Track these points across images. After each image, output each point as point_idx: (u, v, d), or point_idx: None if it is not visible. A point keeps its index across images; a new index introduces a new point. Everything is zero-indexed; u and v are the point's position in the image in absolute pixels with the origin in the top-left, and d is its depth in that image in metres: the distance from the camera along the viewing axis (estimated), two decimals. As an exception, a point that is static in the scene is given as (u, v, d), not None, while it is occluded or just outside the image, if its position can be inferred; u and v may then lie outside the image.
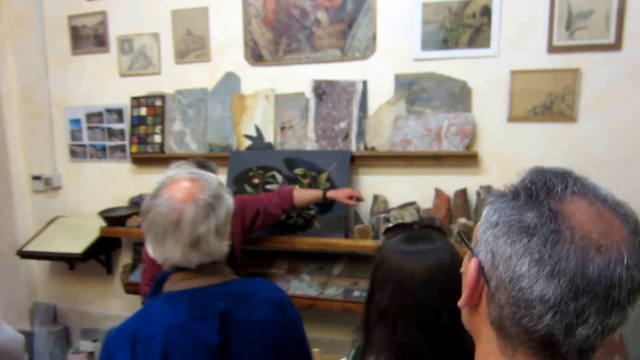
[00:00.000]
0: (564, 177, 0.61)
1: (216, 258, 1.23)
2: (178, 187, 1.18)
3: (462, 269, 0.72)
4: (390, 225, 1.28)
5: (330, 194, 2.49)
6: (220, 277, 1.24)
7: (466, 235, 0.73)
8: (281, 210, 2.52)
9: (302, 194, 2.54)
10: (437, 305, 1.04)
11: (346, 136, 2.77)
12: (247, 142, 2.94)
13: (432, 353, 1.04)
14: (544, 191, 0.59)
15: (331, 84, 2.77)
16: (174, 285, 1.21)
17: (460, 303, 0.66)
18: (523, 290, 0.56)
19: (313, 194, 2.53)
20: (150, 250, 1.20)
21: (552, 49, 2.41)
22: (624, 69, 2.34)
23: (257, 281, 1.34)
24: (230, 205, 1.25)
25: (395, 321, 1.06)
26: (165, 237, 1.15)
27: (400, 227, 1.24)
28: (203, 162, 2.27)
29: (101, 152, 3.29)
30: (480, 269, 0.62)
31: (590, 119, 2.42)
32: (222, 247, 1.22)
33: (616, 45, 2.33)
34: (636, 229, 0.58)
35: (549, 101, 2.45)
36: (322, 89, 2.79)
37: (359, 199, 2.50)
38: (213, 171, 2.14)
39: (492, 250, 0.60)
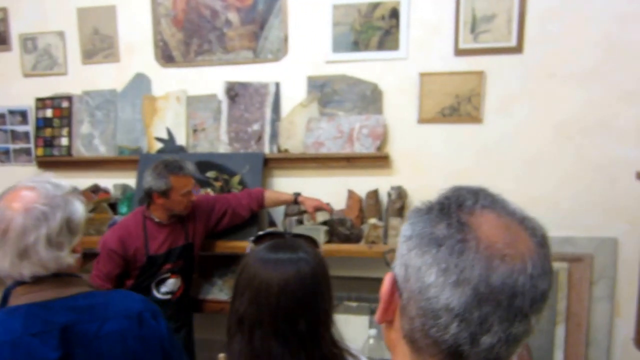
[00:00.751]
0: (476, 193, 0.62)
1: (57, 270, 1.16)
2: (14, 195, 1.14)
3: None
4: (261, 233, 1.28)
5: (301, 199, 2.48)
6: (66, 290, 1.18)
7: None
8: (249, 211, 2.49)
9: (274, 196, 2.53)
10: (293, 315, 1.05)
11: (259, 138, 2.72)
12: (158, 145, 2.85)
13: None
14: (455, 205, 0.61)
15: (244, 85, 2.73)
16: (16, 300, 1.15)
17: (376, 318, 0.66)
18: (430, 300, 0.57)
19: (284, 197, 2.53)
20: None
21: (459, 52, 2.47)
22: (526, 72, 2.42)
23: (113, 293, 1.30)
24: (75, 214, 1.18)
25: (252, 330, 1.06)
26: None
27: (271, 235, 1.24)
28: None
29: (4, 156, 3.11)
30: (395, 282, 0.63)
31: (495, 120, 2.48)
32: (58, 259, 1.15)
33: (518, 49, 2.40)
34: (543, 242, 0.60)
35: (456, 103, 2.50)
36: (234, 91, 2.74)
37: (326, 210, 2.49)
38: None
39: (405, 264, 0.61)
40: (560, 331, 2.44)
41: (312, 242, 1.24)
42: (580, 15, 2.34)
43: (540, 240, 0.60)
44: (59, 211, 1.15)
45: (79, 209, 1.20)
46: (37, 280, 1.15)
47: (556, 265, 2.42)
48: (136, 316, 1.22)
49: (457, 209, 0.60)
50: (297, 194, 2.50)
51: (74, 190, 1.23)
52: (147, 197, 2.27)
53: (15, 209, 1.11)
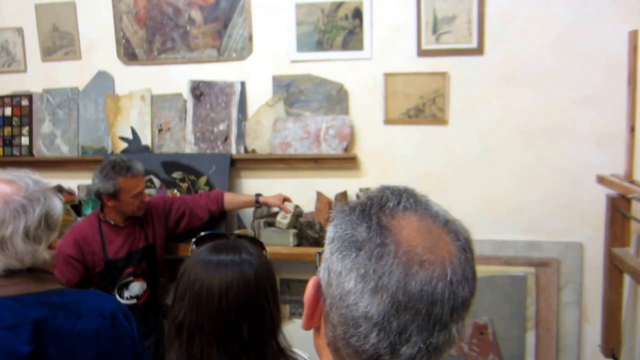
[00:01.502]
0: (400, 194, 0.60)
1: (32, 265, 1.18)
2: None
3: None
4: (202, 234, 1.22)
5: (262, 199, 2.51)
6: (40, 285, 1.19)
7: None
8: (208, 213, 2.49)
9: (234, 199, 2.54)
10: (235, 320, 1.01)
11: (226, 139, 2.73)
12: (123, 145, 2.83)
13: None
14: (376, 206, 0.58)
15: (209, 84, 2.72)
16: None
17: (302, 324, 0.64)
18: (350, 307, 0.55)
19: (245, 199, 2.55)
20: None
21: (422, 53, 2.50)
22: (487, 73, 2.47)
23: (86, 292, 1.31)
24: (54, 210, 1.21)
25: (191, 336, 1.02)
26: None
27: (213, 236, 1.19)
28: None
29: (-38, 156, 3.06)
30: (319, 287, 0.61)
31: (459, 122, 2.53)
32: (35, 252, 1.17)
33: (479, 50, 2.45)
34: (466, 246, 0.58)
35: (421, 104, 2.54)
36: (199, 90, 2.74)
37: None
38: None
39: (328, 267, 0.59)
40: (530, 337, 2.47)
41: (257, 243, 1.20)
42: (537, 17, 2.38)
43: (463, 244, 0.58)
44: (38, 205, 1.17)
45: (58, 205, 1.23)
46: (10, 274, 1.16)
47: (524, 270, 2.46)
48: (109, 315, 1.23)
49: (379, 210, 0.58)
50: (258, 195, 2.53)
51: (53, 188, 1.26)
52: (98, 199, 2.27)
53: None
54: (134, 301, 2.34)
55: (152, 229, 2.40)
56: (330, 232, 0.60)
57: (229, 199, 2.52)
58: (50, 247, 1.21)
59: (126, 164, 2.20)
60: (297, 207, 2.59)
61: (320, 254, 0.70)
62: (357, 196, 2.60)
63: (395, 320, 0.53)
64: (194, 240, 1.22)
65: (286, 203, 2.53)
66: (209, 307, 1.01)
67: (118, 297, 2.30)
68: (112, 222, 2.28)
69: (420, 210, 0.59)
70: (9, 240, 1.12)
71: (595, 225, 2.38)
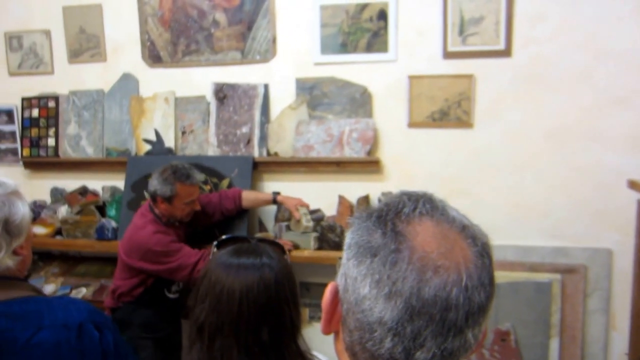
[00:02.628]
0: (417, 199, 0.61)
1: None
2: None
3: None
4: (224, 237, 1.25)
5: (280, 198, 2.52)
6: (2, 294, 1.15)
7: None
8: (221, 212, 2.53)
9: (252, 196, 2.56)
10: (256, 323, 1.03)
11: (248, 141, 2.76)
12: (147, 147, 2.88)
13: None
14: (392, 212, 0.60)
15: (232, 87, 2.76)
16: None
17: (320, 329, 0.66)
18: (365, 313, 0.57)
19: (263, 197, 2.57)
20: None
21: (447, 55, 2.49)
22: (515, 76, 2.45)
23: (55, 300, 1.25)
24: (15, 215, 1.17)
25: (212, 338, 1.04)
26: None
27: (235, 239, 1.22)
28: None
29: (-10, 156, 3.15)
30: (336, 292, 0.63)
31: (485, 125, 2.51)
32: None
33: (506, 52, 2.43)
34: (483, 251, 0.58)
35: (446, 107, 2.53)
36: (223, 93, 2.77)
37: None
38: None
39: (345, 273, 0.60)
40: (554, 344, 2.44)
41: (278, 247, 1.22)
42: (567, 17, 2.36)
43: (480, 249, 0.58)
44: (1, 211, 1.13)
45: (20, 210, 1.18)
46: None
47: (549, 276, 2.43)
48: (76, 327, 1.16)
49: (395, 216, 0.59)
50: (277, 193, 2.55)
51: (17, 191, 1.22)
52: (152, 199, 2.33)
53: None
54: (177, 295, 2.44)
55: (183, 226, 2.47)
56: (348, 238, 0.62)
57: (247, 196, 2.54)
58: (15, 252, 1.17)
59: (187, 172, 2.28)
60: (316, 211, 2.61)
61: (341, 259, 0.73)
62: (379, 200, 2.60)
63: (410, 326, 0.54)
64: (215, 243, 1.24)
65: (300, 209, 2.50)
66: (229, 310, 1.03)
67: (166, 292, 2.41)
68: (164, 220, 2.35)
69: (436, 216, 0.59)
70: None
71: (625, 231, 2.36)
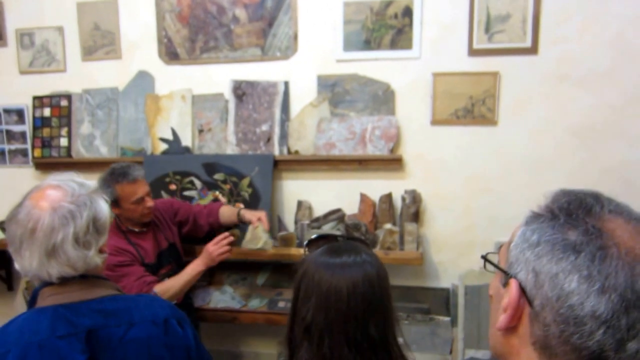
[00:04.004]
0: (598, 198, 0.66)
1: (85, 271, 1.19)
2: (39, 194, 1.17)
3: (491, 292, 0.77)
4: (313, 236, 1.27)
5: (242, 212, 2.46)
6: (93, 292, 1.21)
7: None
8: (208, 225, 2.51)
9: (226, 212, 2.51)
10: (363, 319, 1.06)
11: (268, 139, 2.76)
12: (163, 146, 2.87)
13: None
14: (582, 211, 0.64)
15: (251, 84, 2.76)
16: (42, 301, 1.18)
17: (499, 326, 0.69)
18: (573, 307, 0.60)
19: (231, 212, 2.50)
20: (15, 263, 1.18)
21: (473, 52, 2.52)
22: (541, 73, 2.48)
23: (139, 297, 1.31)
24: (101, 213, 1.22)
25: (321, 336, 1.06)
26: (22, 246, 1.14)
27: (324, 238, 1.24)
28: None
29: (-1, 157, 3.12)
30: (522, 289, 0.66)
31: (509, 123, 2.54)
32: (86, 258, 1.18)
33: (533, 49, 2.46)
34: None
35: (470, 104, 2.55)
36: (242, 90, 2.77)
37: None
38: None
39: (534, 270, 0.64)
40: None
41: (365, 244, 1.25)
42: (594, 15, 2.40)
43: None
44: (86, 210, 1.18)
45: (104, 208, 1.24)
46: (63, 282, 1.17)
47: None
48: (162, 322, 1.23)
49: (586, 214, 0.64)
50: (241, 209, 2.51)
51: (98, 190, 1.26)
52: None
53: (43, 207, 1.14)
54: (172, 302, 2.38)
55: (170, 230, 2.43)
56: (530, 236, 0.66)
57: (222, 212, 2.50)
58: (100, 251, 1.22)
59: (122, 170, 2.19)
60: (337, 211, 2.60)
61: (484, 257, 0.77)
62: (403, 198, 2.62)
63: (625, 318, 0.59)
64: (306, 243, 1.27)
65: (258, 224, 2.40)
66: (337, 308, 1.06)
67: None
68: (136, 230, 2.29)
69: (624, 214, 0.65)
70: (60, 247, 1.14)
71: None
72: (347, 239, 1.24)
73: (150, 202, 2.26)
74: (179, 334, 1.25)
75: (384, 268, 1.14)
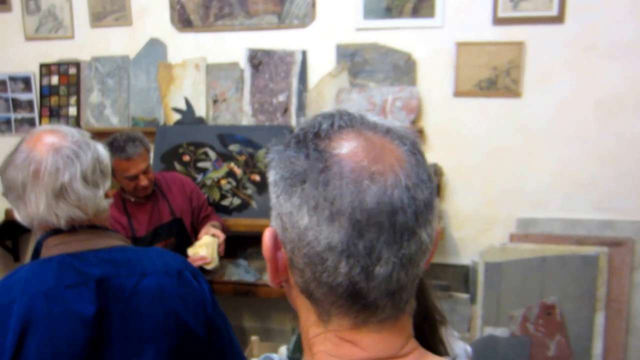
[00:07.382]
0: (332, 115, 0.60)
1: (94, 216, 1.18)
2: (36, 139, 1.15)
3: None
4: None
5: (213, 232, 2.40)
6: (101, 242, 1.18)
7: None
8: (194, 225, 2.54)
9: (205, 228, 2.44)
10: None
11: (285, 110, 2.81)
12: (176, 116, 2.91)
13: None
14: (311, 133, 0.59)
15: (268, 53, 2.79)
16: (47, 251, 1.15)
17: (270, 282, 0.65)
18: (311, 244, 0.55)
19: (206, 230, 2.41)
20: (15, 214, 1.16)
21: (497, 21, 2.55)
22: (567, 43, 2.52)
23: (150, 249, 1.27)
24: (101, 155, 1.20)
25: None
26: (25, 191, 1.11)
27: None
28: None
29: (5, 125, 3.15)
30: (275, 237, 0.61)
31: (534, 94, 2.59)
32: (96, 198, 1.16)
33: (559, 18, 2.49)
34: (414, 149, 0.59)
35: (494, 75, 2.60)
36: (258, 59, 2.81)
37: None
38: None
39: (278, 213, 0.59)
40: (599, 318, 2.56)
41: None
42: (625, -16, 2.43)
43: (410, 147, 0.58)
44: (89, 150, 1.16)
45: (104, 152, 1.23)
46: (72, 230, 1.15)
47: (596, 249, 2.53)
48: (176, 273, 1.20)
49: (314, 137, 0.58)
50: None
51: (91, 136, 1.25)
52: None
53: (43, 150, 1.12)
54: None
55: (176, 203, 2.43)
56: (270, 176, 0.61)
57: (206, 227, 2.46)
58: (106, 195, 1.20)
59: (120, 144, 2.17)
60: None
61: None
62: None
63: (361, 242, 0.54)
64: None
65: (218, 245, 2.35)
66: None
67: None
68: (133, 199, 2.32)
69: (356, 126, 0.59)
70: (69, 186, 1.11)
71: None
72: None
73: (144, 182, 2.25)
74: (195, 287, 1.22)
75: None
